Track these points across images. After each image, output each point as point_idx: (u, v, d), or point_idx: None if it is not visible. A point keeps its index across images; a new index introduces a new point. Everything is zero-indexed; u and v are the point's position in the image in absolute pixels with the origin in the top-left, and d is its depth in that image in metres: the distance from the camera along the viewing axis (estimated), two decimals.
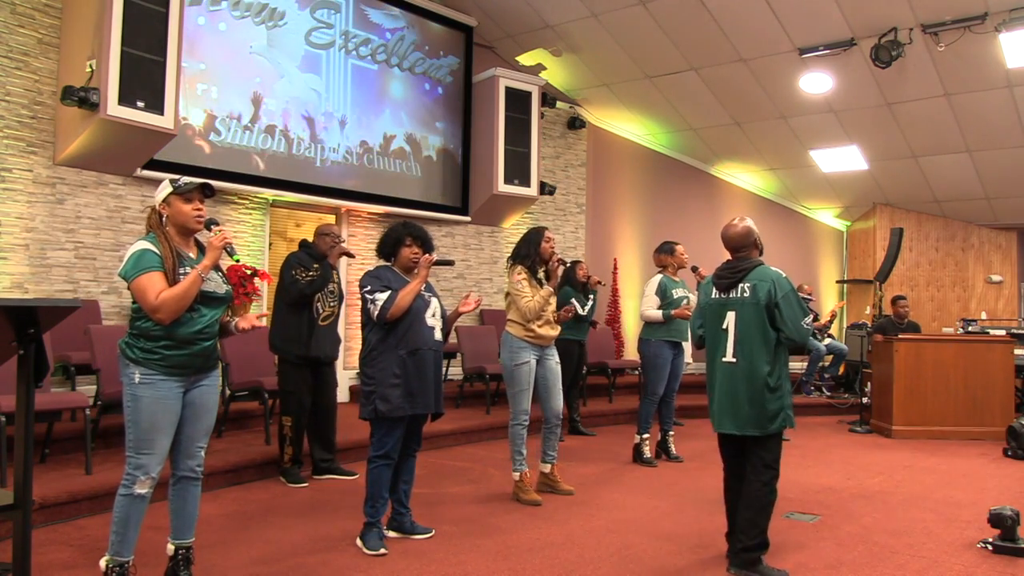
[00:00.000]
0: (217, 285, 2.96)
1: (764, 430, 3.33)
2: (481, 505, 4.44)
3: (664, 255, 5.86)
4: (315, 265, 4.74)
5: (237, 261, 3.02)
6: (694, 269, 5.59)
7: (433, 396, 3.68)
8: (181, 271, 2.83)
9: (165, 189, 2.95)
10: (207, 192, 2.97)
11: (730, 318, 3.43)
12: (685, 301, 5.60)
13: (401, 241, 3.73)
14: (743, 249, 3.51)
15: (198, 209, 2.94)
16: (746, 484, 3.37)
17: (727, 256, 3.62)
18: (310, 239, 4.97)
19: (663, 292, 5.62)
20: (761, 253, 3.58)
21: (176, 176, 3.06)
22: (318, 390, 4.86)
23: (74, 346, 5.39)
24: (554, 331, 4.66)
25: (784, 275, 3.45)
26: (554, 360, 4.68)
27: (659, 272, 5.81)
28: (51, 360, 4.75)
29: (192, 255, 2.95)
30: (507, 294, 4.68)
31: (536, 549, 3.62)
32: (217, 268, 3.01)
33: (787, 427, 3.41)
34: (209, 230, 2.95)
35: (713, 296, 3.54)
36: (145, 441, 2.79)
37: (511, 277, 4.60)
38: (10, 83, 5.59)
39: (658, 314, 5.55)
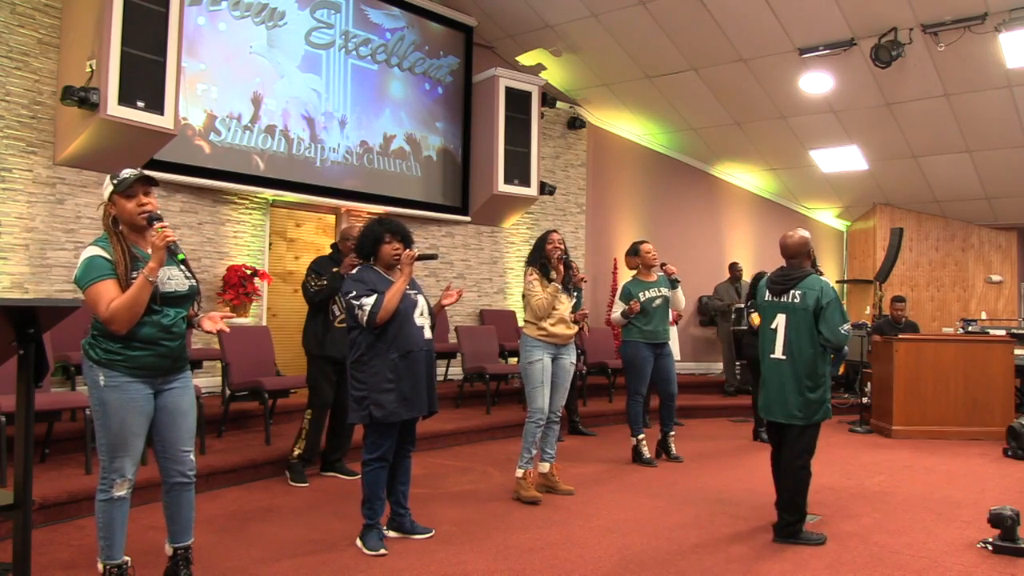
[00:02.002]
0: (179, 283, 2.80)
1: (808, 420, 3.76)
2: (481, 505, 4.44)
3: (631, 257, 5.97)
4: (334, 270, 4.81)
5: (182, 260, 2.80)
6: (662, 266, 5.73)
7: (426, 397, 3.67)
8: (135, 274, 2.65)
9: (107, 187, 2.73)
10: (151, 183, 2.75)
11: (780, 320, 3.86)
12: (658, 300, 5.65)
13: (380, 239, 3.67)
14: (797, 257, 3.92)
15: (142, 204, 2.72)
16: (783, 468, 3.82)
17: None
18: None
19: (627, 296, 5.68)
20: (814, 263, 3.95)
21: (119, 172, 2.77)
22: (339, 387, 4.94)
23: (74, 346, 5.38)
24: (570, 330, 4.72)
25: (831, 284, 3.86)
26: (569, 360, 4.76)
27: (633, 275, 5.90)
28: (51, 360, 4.76)
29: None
30: (523, 295, 4.79)
31: (536, 549, 3.62)
32: (182, 262, 2.82)
33: (827, 418, 3.82)
34: (151, 227, 2.70)
35: (766, 298, 3.94)
36: (118, 445, 2.68)
37: (525, 279, 4.73)
38: (10, 83, 5.59)
39: (617, 315, 5.70)
